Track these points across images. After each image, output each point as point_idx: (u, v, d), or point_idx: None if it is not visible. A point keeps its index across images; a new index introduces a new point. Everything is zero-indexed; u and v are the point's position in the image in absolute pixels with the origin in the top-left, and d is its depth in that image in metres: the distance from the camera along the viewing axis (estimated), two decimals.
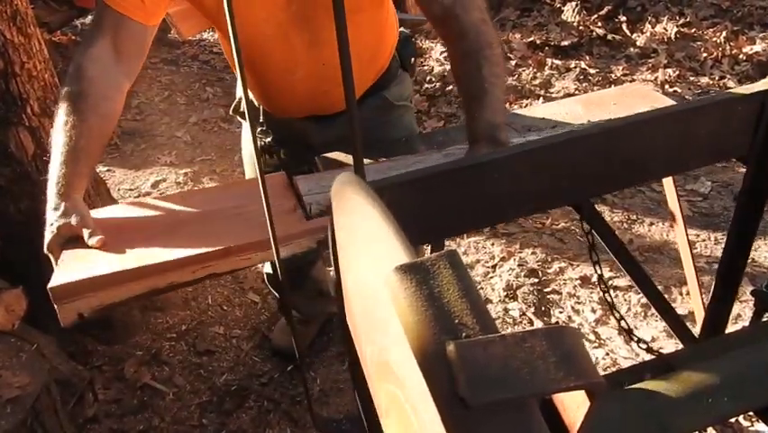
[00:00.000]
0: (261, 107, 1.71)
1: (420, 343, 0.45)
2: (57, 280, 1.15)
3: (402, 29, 1.79)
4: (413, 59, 1.82)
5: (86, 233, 1.22)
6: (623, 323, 1.65)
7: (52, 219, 1.23)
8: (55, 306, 1.14)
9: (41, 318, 2.22)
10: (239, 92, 1.84)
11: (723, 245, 2.84)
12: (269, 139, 1.72)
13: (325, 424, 1.83)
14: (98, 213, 1.34)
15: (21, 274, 2.16)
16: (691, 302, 1.94)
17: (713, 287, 1.61)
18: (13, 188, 2.07)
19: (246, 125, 1.87)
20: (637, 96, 1.69)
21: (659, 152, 1.31)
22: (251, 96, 1.73)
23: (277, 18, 1.43)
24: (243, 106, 1.80)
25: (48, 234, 1.23)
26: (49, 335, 2.21)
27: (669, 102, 1.65)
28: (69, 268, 1.18)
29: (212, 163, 3.75)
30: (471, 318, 0.45)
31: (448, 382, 0.41)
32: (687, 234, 1.75)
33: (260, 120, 1.71)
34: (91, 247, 1.21)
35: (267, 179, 0.90)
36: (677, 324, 1.77)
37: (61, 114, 1.30)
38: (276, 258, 1.02)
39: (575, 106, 1.65)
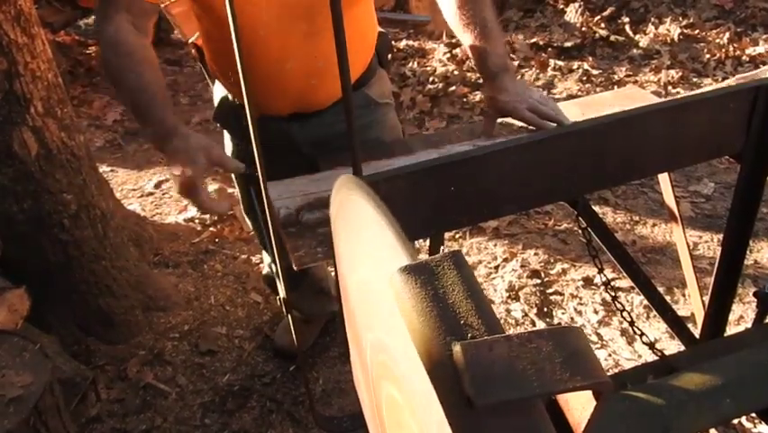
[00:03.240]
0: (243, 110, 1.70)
1: (425, 343, 0.45)
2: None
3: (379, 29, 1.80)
4: (389, 55, 1.84)
5: (224, 161, 1.34)
6: (624, 314, 1.64)
7: (177, 163, 1.28)
8: None
9: (43, 318, 2.23)
10: (217, 99, 1.80)
11: None
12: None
13: (327, 422, 1.83)
14: None
15: (24, 274, 2.17)
16: (692, 303, 1.94)
17: (711, 287, 1.61)
18: (17, 188, 2.07)
19: (228, 136, 1.85)
20: (634, 98, 1.70)
21: (651, 148, 1.32)
22: (230, 97, 1.72)
23: (277, 5, 1.43)
24: (224, 108, 1.77)
25: (176, 181, 1.29)
26: (51, 334, 2.21)
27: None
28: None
29: None
30: (477, 319, 0.45)
31: (454, 382, 0.41)
32: (685, 232, 1.75)
33: (243, 124, 1.69)
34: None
35: None
36: (676, 324, 1.77)
37: (125, 74, 1.36)
38: (276, 256, 1.01)
39: (572, 109, 1.66)
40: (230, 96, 1.72)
